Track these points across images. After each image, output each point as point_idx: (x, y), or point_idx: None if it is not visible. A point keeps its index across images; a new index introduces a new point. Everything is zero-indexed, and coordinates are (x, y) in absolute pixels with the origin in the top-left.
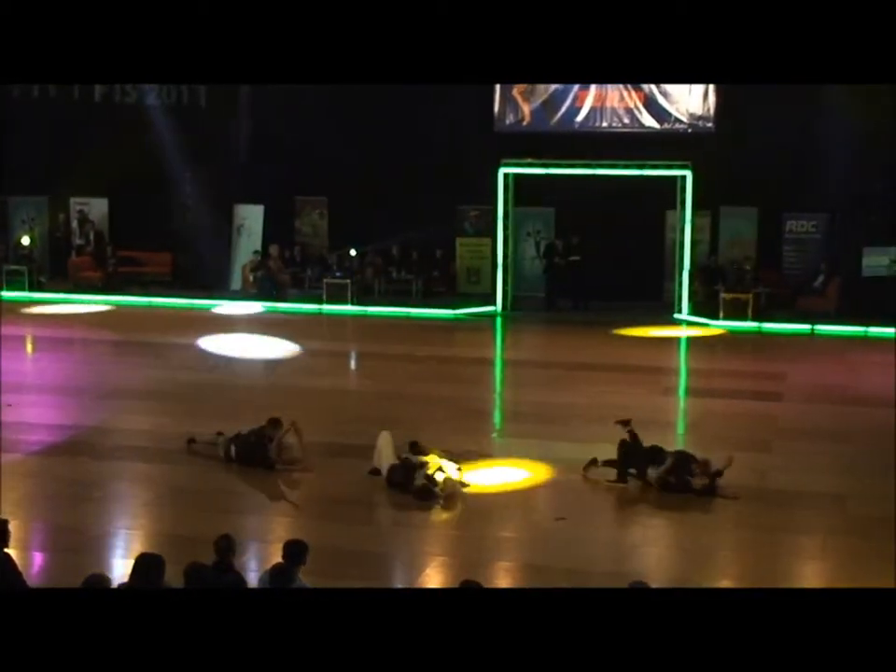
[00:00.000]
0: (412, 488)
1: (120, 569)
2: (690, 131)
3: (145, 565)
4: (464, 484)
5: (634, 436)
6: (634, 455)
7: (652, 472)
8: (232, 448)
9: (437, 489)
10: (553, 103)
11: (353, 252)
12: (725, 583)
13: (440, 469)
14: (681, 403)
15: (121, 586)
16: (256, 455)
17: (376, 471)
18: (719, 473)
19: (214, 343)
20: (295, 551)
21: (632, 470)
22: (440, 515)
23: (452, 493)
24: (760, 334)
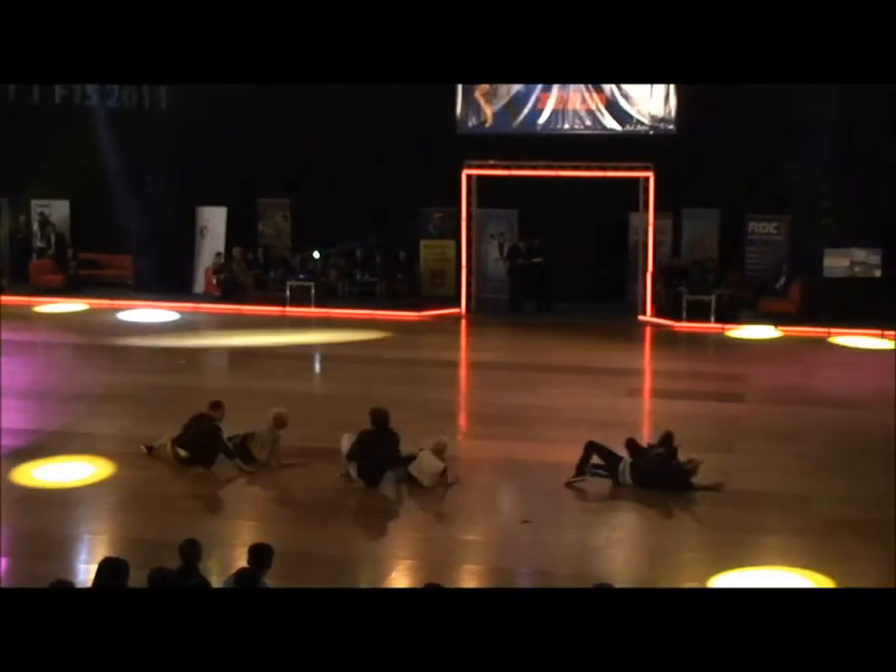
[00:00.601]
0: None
1: (85, 574)
2: (651, 133)
3: (108, 569)
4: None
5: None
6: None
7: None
8: (179, 451)
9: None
10: (515, 105)
11: (316, 254)
12: (690, 585)
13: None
14: (645, 404)
15: None
16: (209, 442)
17: (347, 474)
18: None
19: (174, 341)
20: (260, 554)
21: (601, 471)
22: (406, 518)
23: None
24: (722, 335)
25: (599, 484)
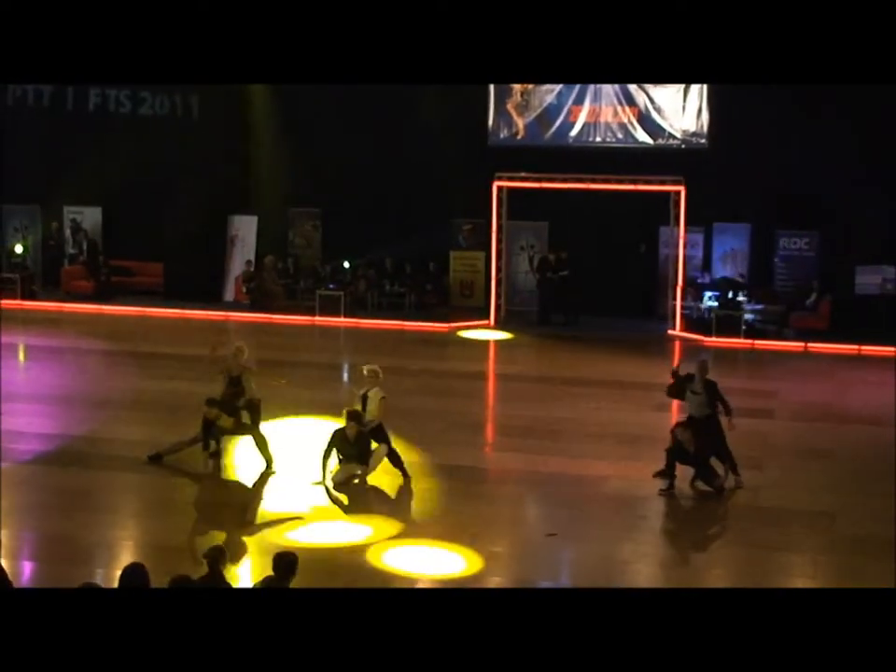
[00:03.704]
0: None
1: (111, 580)
2: (683, 147)
3: (130, 576)
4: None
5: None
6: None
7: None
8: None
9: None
10: (546, 117)
11: (346, 264)
12: None
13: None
14: (673, 420)
15: None
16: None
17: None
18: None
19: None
20: (285, 563)
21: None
22: (430, 528)
23: None
24: (752, 351)
25: (627, 497)
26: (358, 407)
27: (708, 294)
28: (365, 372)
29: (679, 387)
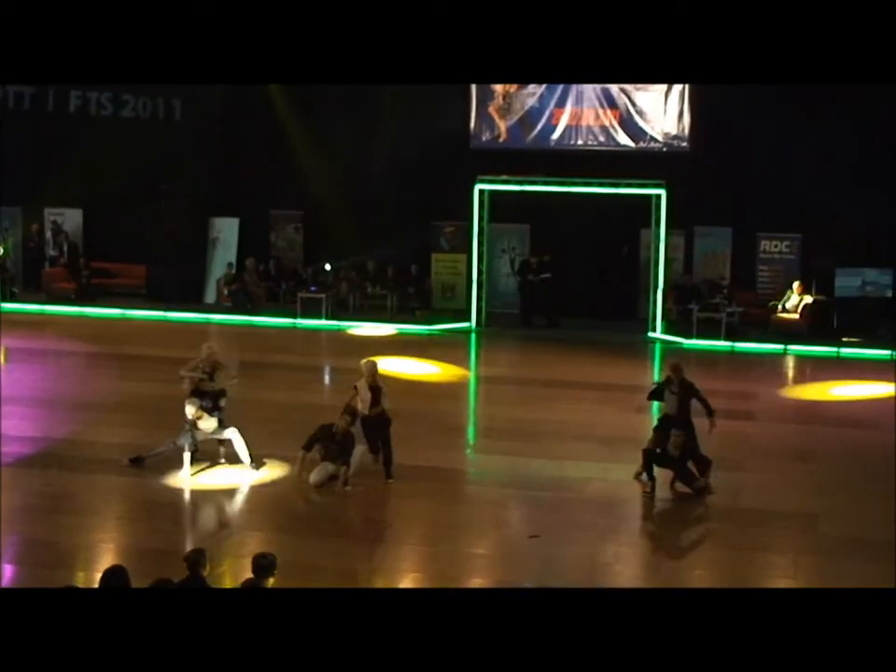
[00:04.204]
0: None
1: (92, 583)
2: (665, 150)
3: (107, 579)
4: None
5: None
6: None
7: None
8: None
9: None
10: (528, 120)
11: (328, 267)
12: None
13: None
14: (654, 422)
15: None
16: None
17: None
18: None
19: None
20: (263, 564)
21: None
22: (413, 530)
23: None
24: (732, 353)
25: (608, 499)
26: (357, 402)
27: (689, 297)
28: (364, 368)
29: (658, 391)
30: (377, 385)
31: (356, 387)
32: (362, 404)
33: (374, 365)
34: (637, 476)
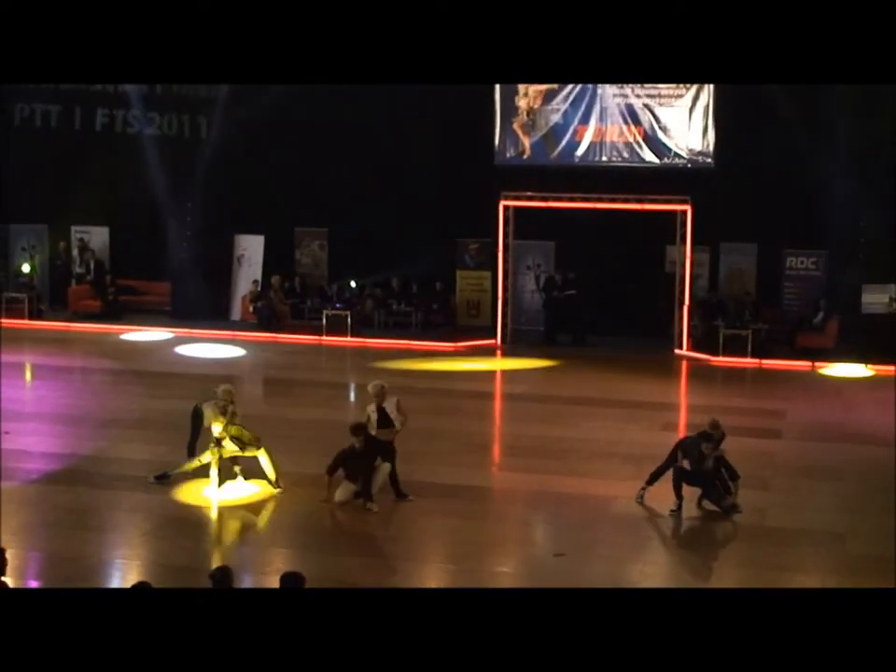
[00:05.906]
0: None
1: None
2: (689, 166)
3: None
4: None
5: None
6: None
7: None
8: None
9: None
10: (553, 136)
11: (353, 284)
12: None
13: None
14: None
15: None
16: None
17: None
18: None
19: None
20: (292, 582)
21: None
22: (439, 549)
23: None
24: (760, 370)
25: (634, 518)
26: (363, 420)
27: (715, 313)
28: (371, 390)
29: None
30: (383, 406)
31: (376, 410)
32: (370, 425)
33: (382, 386)
34: (641, 498)
